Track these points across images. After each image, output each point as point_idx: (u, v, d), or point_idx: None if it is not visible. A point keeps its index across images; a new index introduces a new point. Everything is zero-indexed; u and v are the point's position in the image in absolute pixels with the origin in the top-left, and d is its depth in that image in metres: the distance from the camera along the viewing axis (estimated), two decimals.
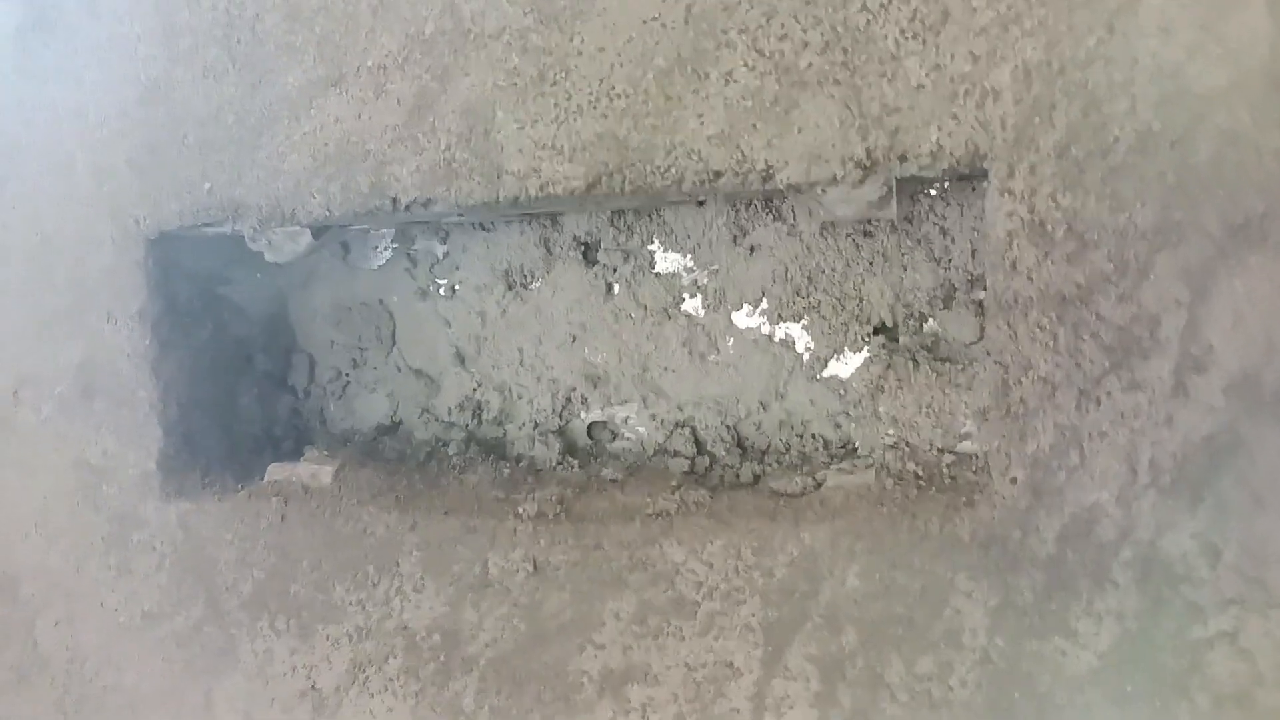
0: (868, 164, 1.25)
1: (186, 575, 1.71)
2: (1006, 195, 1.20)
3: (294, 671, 1.64)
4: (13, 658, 1.89)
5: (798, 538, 1.34)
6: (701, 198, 1.45)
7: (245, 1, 1.55)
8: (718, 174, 1.31)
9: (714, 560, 1.38)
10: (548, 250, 1.77)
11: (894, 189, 1.28)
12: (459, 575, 1.52)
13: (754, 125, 1.29)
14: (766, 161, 1.29)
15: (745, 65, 1.28)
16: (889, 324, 1.56)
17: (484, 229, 1.81)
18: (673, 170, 1.34)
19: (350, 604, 1.59)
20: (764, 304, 1.64)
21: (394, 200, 1.49)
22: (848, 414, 1.59)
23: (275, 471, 1.72)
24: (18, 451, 1.83)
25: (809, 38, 1.25)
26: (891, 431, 1.43)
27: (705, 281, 1.69)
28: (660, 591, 1.41)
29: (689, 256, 1.70)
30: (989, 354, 1.25)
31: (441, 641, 1.54)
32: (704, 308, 1.70)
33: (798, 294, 1.60)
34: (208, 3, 1.57)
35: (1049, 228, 1.18)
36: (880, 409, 1.45)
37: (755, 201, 1.61)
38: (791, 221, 1.59)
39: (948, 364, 1.42)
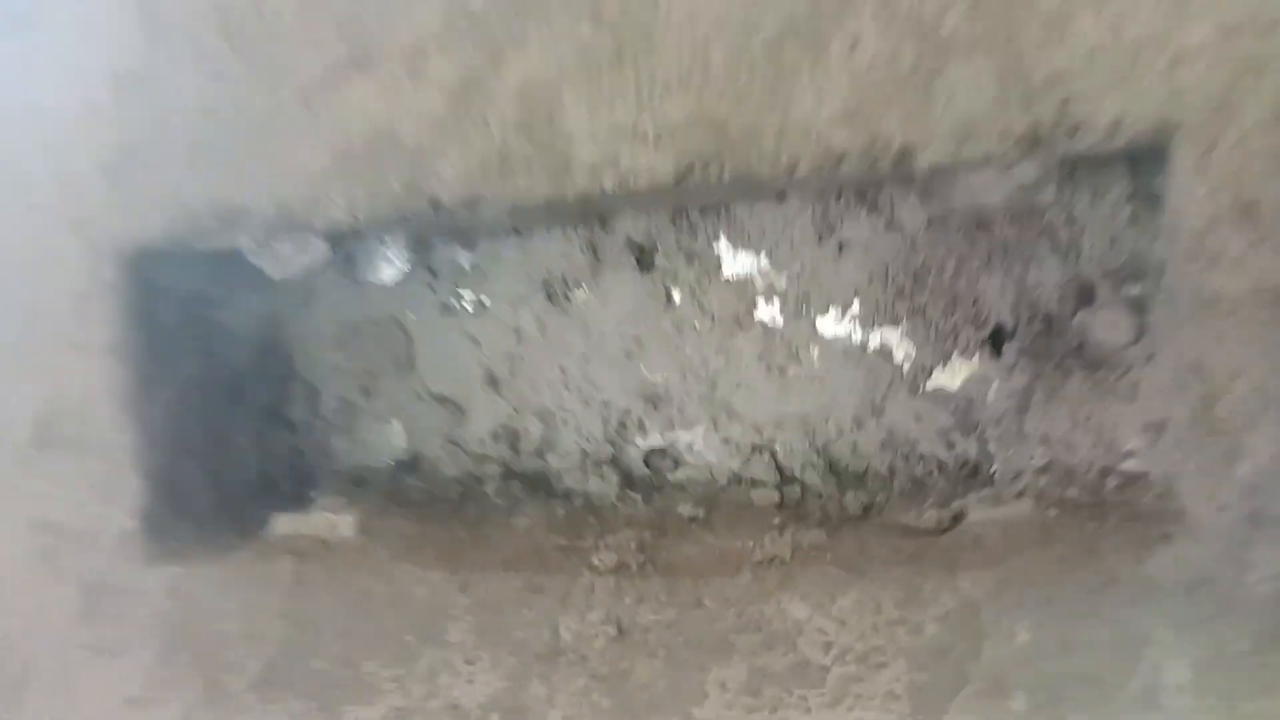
0: (1031, 141, 1.04)
1: (179, 653, 1.44)
2: (1205, 173, 1.01)
3: None
4: None
5: (953, 587, 1.13)
6: (816, 187, 1.23)
7: None
8: (841, 158, 1.10)
9: (846, 616, 1.16)
10: (595, 256, 1.53)
11: (1054, 170, 1.08)
12: (522, 643, 1.28)
13: (888, 99, 1.07)
14: (904, 141, 1.08)
15: (875, 28, 1.06)
16: (1009, 327, 1.36)
17: (518, 233, 1.57)
18: (784, 156, 1.12)
19: (385, 681, 1.34)
20: (855, 308, 1.43)
21: (435, 201, 1.25)
22: (963, 431, 1.39)
23: (282, 524, 1.46)
24: None
25: None
26: (1041, 452, 1.23)
27: (784, 285, 1.47)
28: (778, 655, 1.19)
29: (764, 257, 1.48)
30: (1185, 362, 1.06)
31: None
32: (782, 315, 1.48)
33: (899, 296, 1.39)
34: None
35: (1260, 210, 0.99)
36: (1027, 427, 1.24)
37: (846, 193, 1.40)
38: (889, 215, 1.38)
39: (1102, 371, 1.23)
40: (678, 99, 1.13)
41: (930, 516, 1.23)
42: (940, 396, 1.43)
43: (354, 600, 1.35)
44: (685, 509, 1.40)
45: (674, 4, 1.12)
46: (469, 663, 1.29)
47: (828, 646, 1.17)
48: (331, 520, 1.42)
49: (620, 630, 1.24)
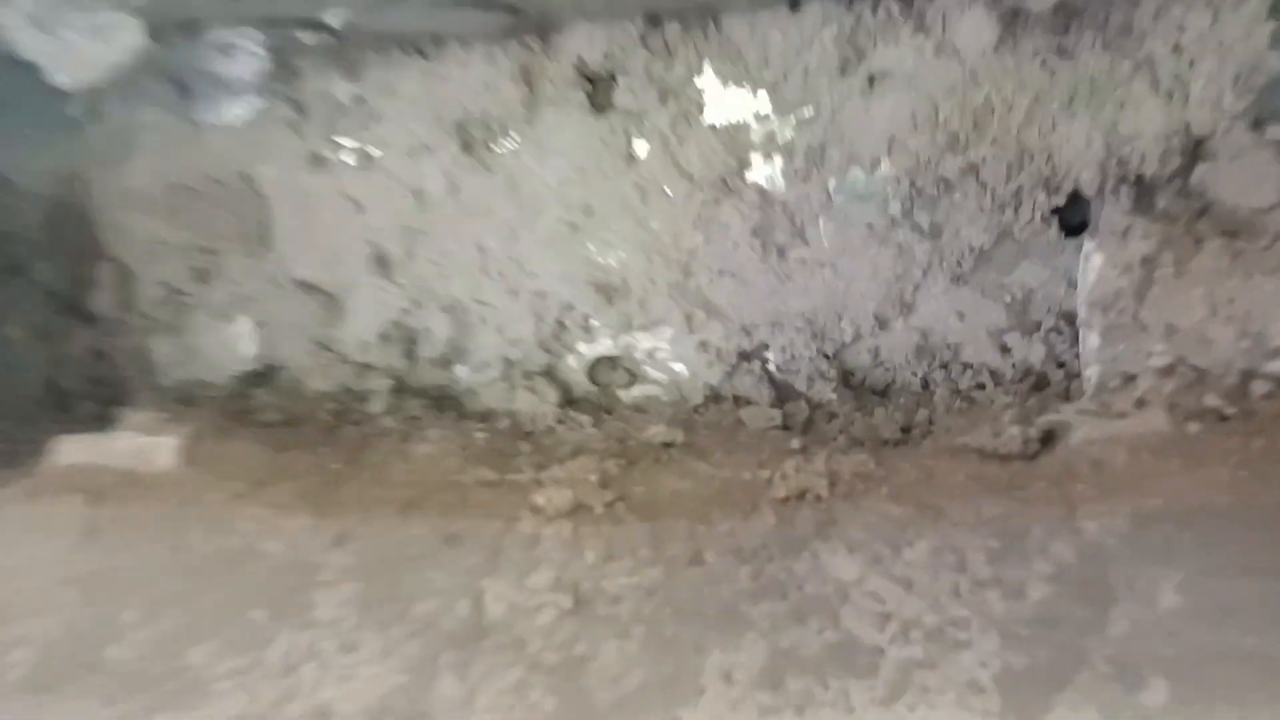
0: None
1: None
2: None
3: None
4: None
5: (1072, 529, 0.77)
6: None
7: None
8: None
9: (914, 575, 0.80)
10: (530, 89, 1.12)
11: None
12: (429, 620, 0.87)
13: None
14: None
15: None
16: (1088, 192, 1.02)
17: (421, 54, 1.14)
18: None
19: (220, 677, 0.90)
20: (885, 167, 1.07)
21: None
22: (1023, 331, 1.05)
23: (71, 449, 1.00)
24: None
25: None
26: (1163, 348, 0.89)
27: (790, 135, 1.10)
28: (813, 632, 0.82)
29: (763, 94, 1.10)
30: None
31: None
32: (785, 176, 1.11)
33: (951, 147, 1.03)
34: None
35: None
36: (1145, 313, 0.90)
37: (885, 3, 1.02)
38: (941, 34, 1.02)
39: (1241, 240, 0.90)
40: None
41: (1012, 435, 0.88)
42: (992, 285, 1.08)
43: (174, 559, 0.91)
44: (657, 431, 1.01)
45: None
46: (346, 649, 0.87)
47: (885, 619, 0.80)
48: (143, 444, 0.97)
49: (577, 599, 0.84)
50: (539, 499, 0.87)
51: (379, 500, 0.92)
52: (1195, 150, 1.03)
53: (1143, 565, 0.78)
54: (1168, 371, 0.89)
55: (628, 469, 0.94)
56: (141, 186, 1.24)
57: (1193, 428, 0.83)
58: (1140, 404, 0.87)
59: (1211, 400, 0.86)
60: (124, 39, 0.93)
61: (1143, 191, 1.04)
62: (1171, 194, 0.98)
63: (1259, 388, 0.87)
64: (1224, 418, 0.85)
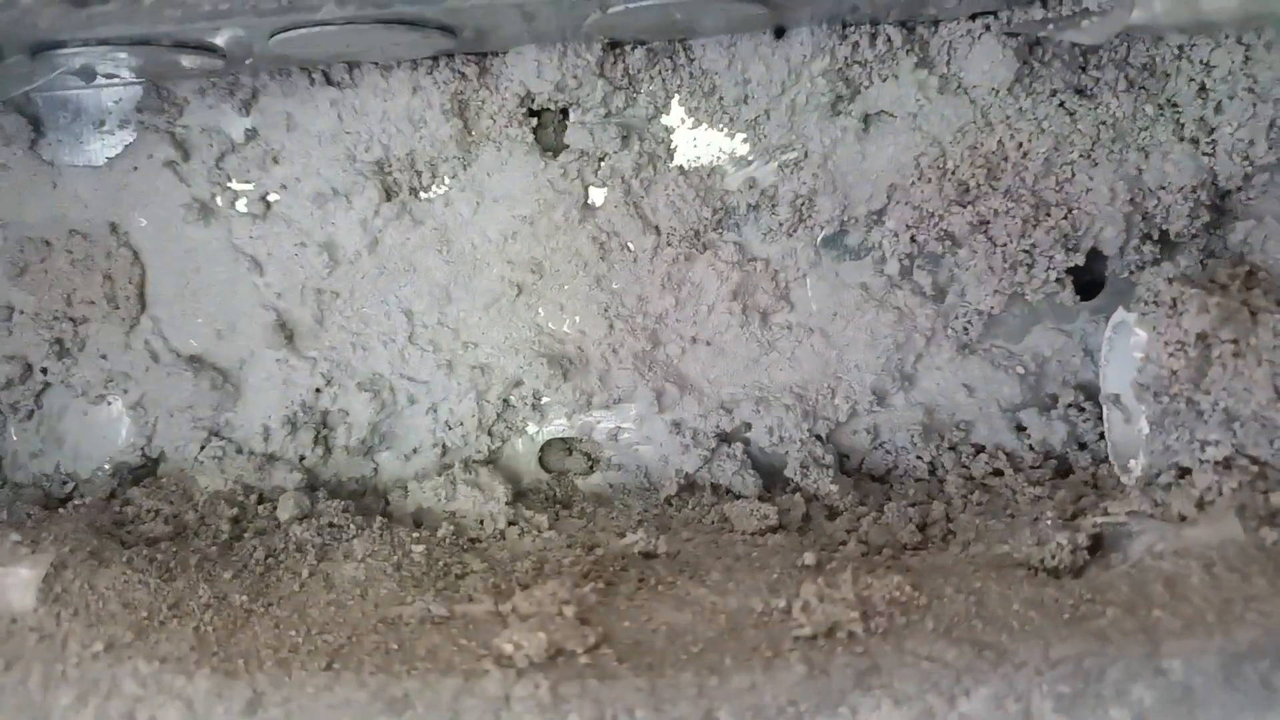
0: None
1: None
2: None
3: None
4: None
5: (1155, 668, 0.65)
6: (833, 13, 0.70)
7: None
8: None
9: None
10: (465, 124, 0.94)
11: None
12: None
13: None
14: None
15: None
16: (1110, 250, 0.91)
17: (330, 83, 0.95)
18: None
19: None
20: (886, 220, 0.93)
21: None
22: (1040, 408, 0.93)
23: None
24: None
25: None
26: (1219, 437, 0.77)
27: (773, 181, 0.95)
28: None
29: (741, 135, 0.95)
30: None
31: None
32: (768, 230, 0.96)
33: (958, 200, 0.90)
34: None
35: None
36: (1201, 397, 0.78)
37: (884, 30, 0.89)
38: (948, 68, 0.89)
39: None
40: None
41: (1059, 544, 0.74)
42: (1002, 355, 0.96)
43: None
44: (635, 540, 0.84)
45: None
46: None
47: None
48: None
49: None
50: (505, 645, 0.69)
51: (298, 649, 0.72)
52: (1221, 204, 0.93)
53: (1239, 712, 0.66)
54: (1226, 465, 0.77)
55: (608, 596, 0.77)
56: None
57: (1269, 536, 0.71)
58: (1202, 505, 0.75)
59: (1277, 499, 0.75)
60: None
61: (1166, 250, 0.94)
62: (1202, 255, 0.88)
63: None
64: None
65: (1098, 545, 0.77)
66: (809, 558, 0.77)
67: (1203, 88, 0.90)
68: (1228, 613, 0.67)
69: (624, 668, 0.69)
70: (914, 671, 0.67)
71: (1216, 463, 0.78)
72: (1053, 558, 0.75)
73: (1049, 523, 0.79)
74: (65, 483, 1.04)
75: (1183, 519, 0.74)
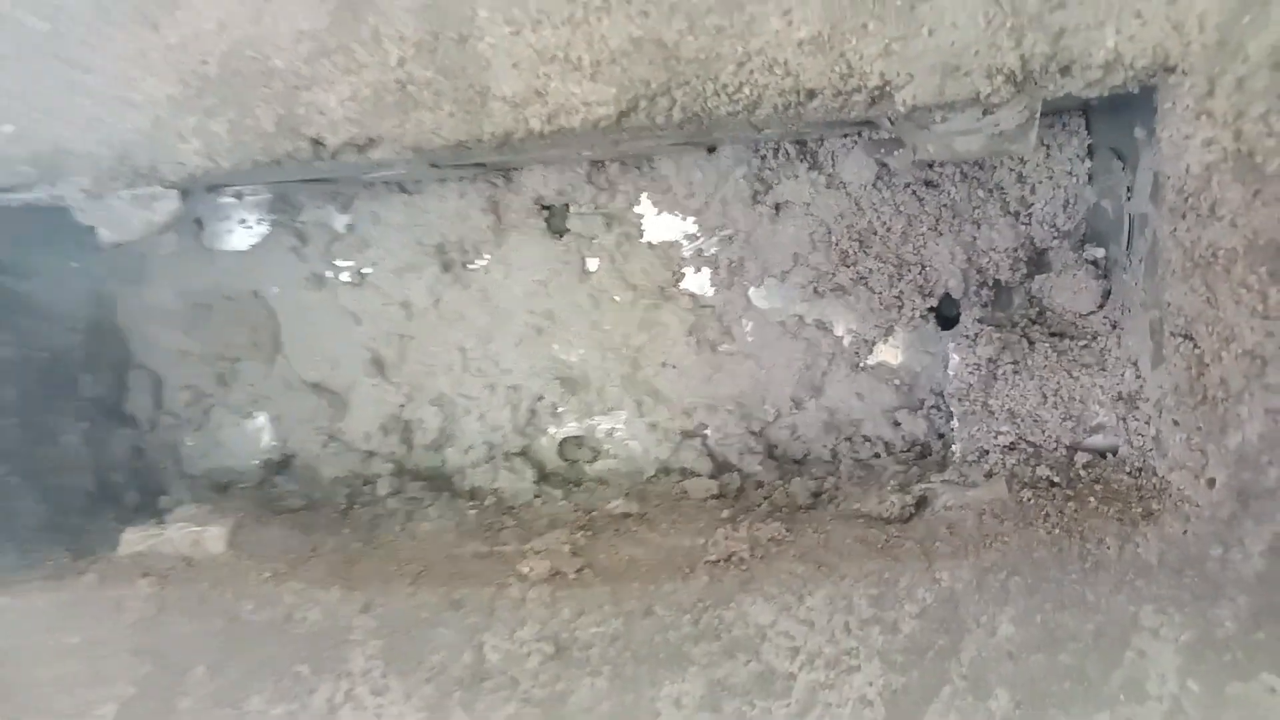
0: (1020, 78, 0.93)
1: (2, 703, 1.17)
2: (1204, 118, 0.93)
3: None
4: None
5: (931, 579, 1.01)
6: (770, 129, 1.08)
7: None
8: (811, 94, 0.96)
9: (815, 618, 1.03)
10: (497, 217, 1.34)
11: (1037, 115, 0.97)
12: (440, 668, 1.09)
13: (865, 25, 0.94)
14: (882, 75, 0.94)
15: None
16: (957, 295, 1.27)
17: (403, 190, 1.36)
18: (745, 90, 0.97)
19: (273, 719, 1.12)
20: (793, 277, 1.30)
21: (316, 142, 1.03)
22: (909, 409, 1.29)
23: (135, 540, 1.20)
24: None
25: None
26: (1007, 429, 1.13)
27: (714, 251, 1.33)
28: (740, 665, 1.05)
29: (691, 220, 1.33)
30: (1172, 325, 0.98)
31: None
32: (713, 285, 1.34)
33: (843, 262, 1.27)
34: None
35: (1259, 159, 0.92)
36: (993, 401, 1.14)
37: (784, 147, 1.26)
38: (830, 170, 1.26)
39: (1066, 340, 1.14)
40: (619, 19, 0.96)
41: (892, 503, 1.11)
42: (883, 372, 1.32)
43: (230, 629, 1.12)
44: (616, 504, 1.23)
45: None
46: (376, 693, 1.09)
47: (794, 652, 1.04)
48: (195, 534, 1.18)
49: (557, 647, 1.06)
50: (523, 568, 1.09)
51: (393, 573, 1.13)
52: (1040, 259, 1.28)
53: (985, 605, 1.02)
54: (1011, 448, 1.13)
55: (593, 540, 1.16)
56: (165, 304, 1.44)
57: (1026, 495, 1.07)
58: (989, 475, 1.11)
59: (1043, 471, 1.10)
60: (164, 206, 1.13)
61: (1000, 292, 1.29)
62: (1012, 302, 1.23)
63: (1081, 459, 1.12)
64: (1053, 484, 1.09)
65: (922, 503, 1.14)
66: (725, 514, 1.15)
67: (1020, 176, 1.25)
68: (982, 544, 1.03)
69: (597, 581, 1.08)
70: (777, 581, 1.04)
71: (1003, 447, 1.14)
72: (886, 512, 1.11)
73: (890, 488, 1.15)
74: (225, 475, 1.48)
75: (973, 485, 1.10)
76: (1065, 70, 0.94)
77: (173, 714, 1.14)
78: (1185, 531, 0.99)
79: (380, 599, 1.10)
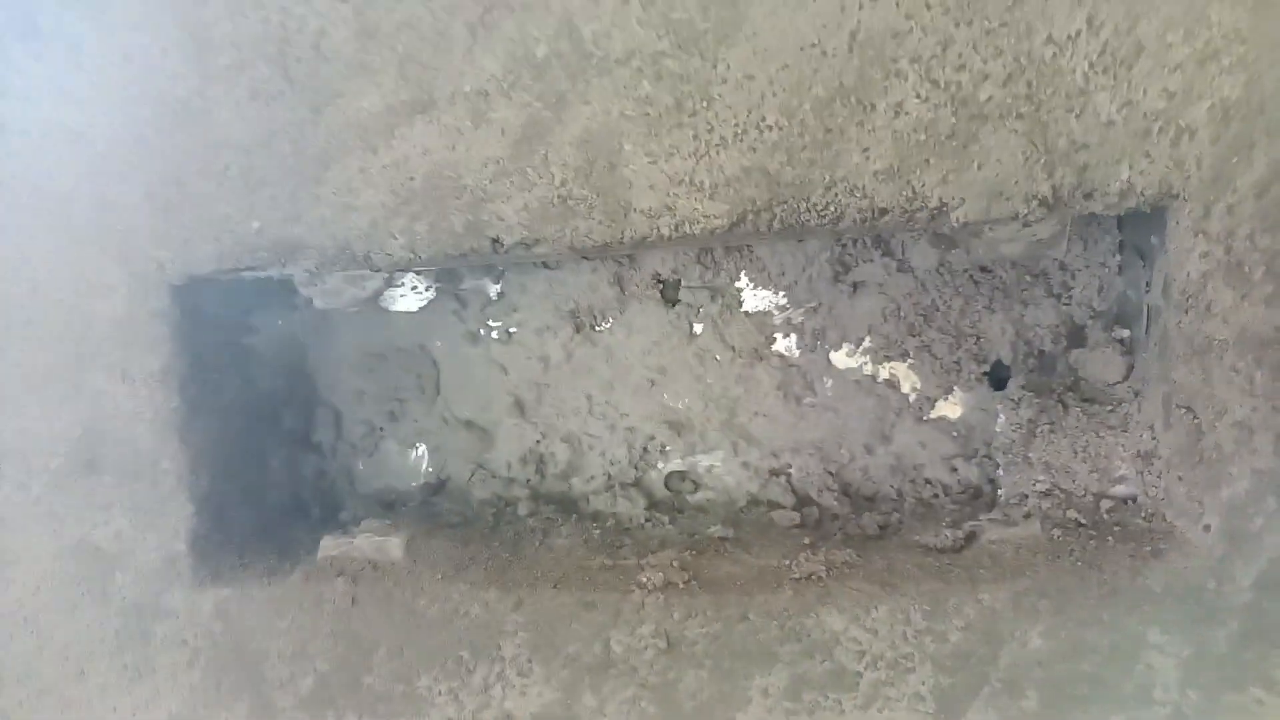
0: (1052, 202, 1.18)
1: (227, 672, 1.48)
2: (1201, 236, 1.16)
3: None
4: None
5: (975, 598, 1.25)
6: (855, 235, 1.35)
7: (304, 15, 1.34)
8: (883, 211, 1.22)
9: (879, 627, 1.28)
10: (621, 289, 1.63)
11: (1067, 227, 1.22)
12: (574, 656, 1.37)
13: (927, 160, 1.20)
14: (940, 198, 1.20)
15: (917, 96, 1.19)
16: (1007, 362, 1.50)
17: (547, 267, 1.65)
18: (831, 208, 1.23)
19: (439, 694, 1.41)
20: (867, 342, 1.56)
21: (495, 241, 1.33)
22: (965, 456, 1.53)
23: (330, 547, 1.51)
24: None
25: (989, 69, 1.17)
26: (1043, 478, 1.37)
27: (800, 320, 1.59)
28: (816, 663, 1.30)
29: (782, 294, 1.60)
30: (1177, 398, 1.21)
31: None
32: (799, 347, 1.60)
33: (908, 332, 1.52)
34: (255, 15, 1.35)
35: (1246, 269, 1.15)
36: (1031, 455, 1.38)
37: (864, 238, 1.52)
38: (902, 257, 1.51)
39: (1095, 405, 1.38)
40: (734, 152, 1.24)
41: (946, 536, 1.35)
42: (943, 425, 1.56)
43: (407, 619, 1.41)
44: (715, 529, 1.50)
45: (732, 66, 1.23)
46: (522, 675, 1.37)
47: (861, 654, 1.28)
48: (379, 542, 1.48)
49: (669, 643, 1.33)
50: (643, 578, 1.36)
51: (537, 579, 1.41)
52: (1078, 334, 1.51)
53: (1019, 621, 1.25)
54: (1046, 493, 1.37)
55: (698, 558, 1.42)
56: (345, 353, 1.77)
57: (1056, 533, 1.30)
58: (1027, 516, 1.34)
59: (1072, 514, 1.33)
60: (370, 284, 1.45)
61: (1044, 359, 1.52)
62: (1053, 371, 1.46)
63: (1105, 504, 1.34)
64: (1080, 524, 1.32)
65: (971, 537, 1.37)
66: (806, 540, 1.40)
67: (1062, 265, 1.49)
68: (1018, 571, 1.26)
69: (702, 591, 1.35)
70: (848, 596, 1.29)
71: (1040, 493, 1.38)
72: (941, 544, 1.36)
73: (945, 524, 1.39)
74: (387, 494, 1.79)
75: (1014, 524, 1.34)
76: (1089, 195, 1.18)
77: (359, 687, 1.44)
78: (1186, 567, 1.21)
79: (528, 599, 1.38)
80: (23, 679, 1.56)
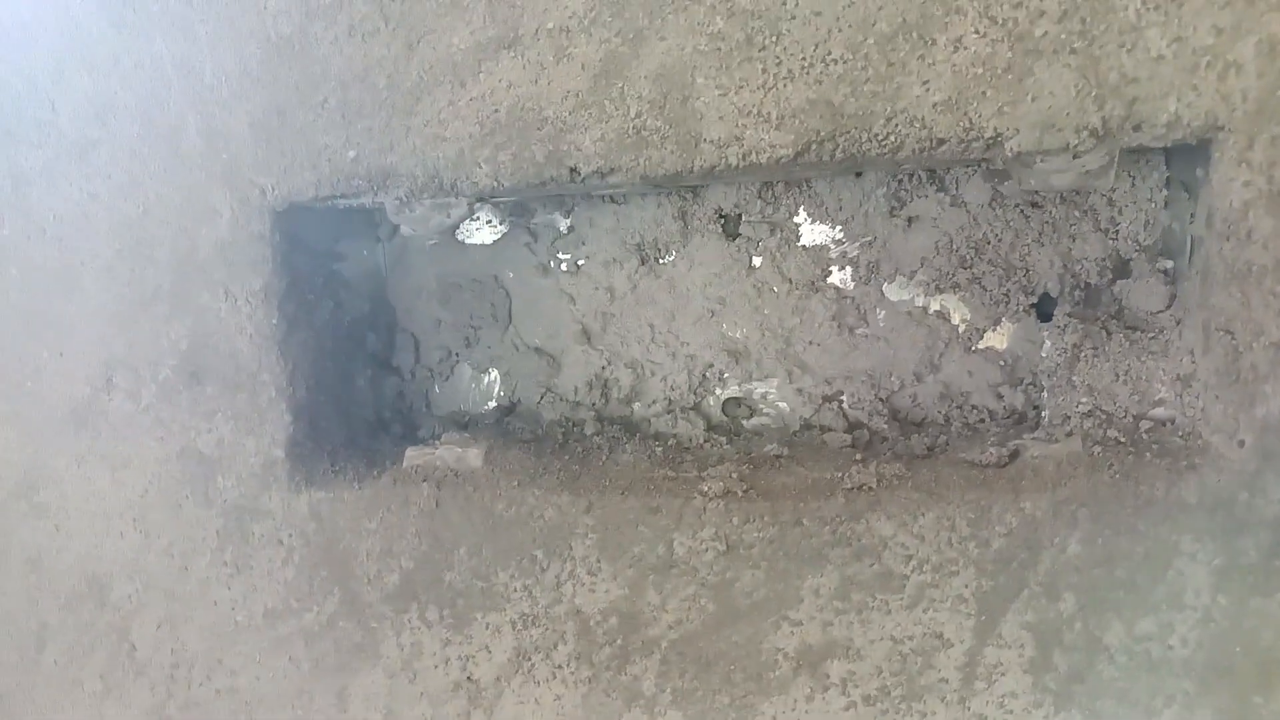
0: (1101, 133, 1.25)
1: (319, 569, 1.62)
2: (1244, 166, 1.22)
3: (447, 664, 1.57)
4: (101, 664, 1.76)
5: (1017, 507, 1.34)
6: (905, 170, 1.42)
7: None
8: (941, 141, 1.30)
9: (925, 533, 1.37)
10: (685, 223, 1.72)
11: (1115, 159, 1.28)
12: (639, 557, 1.48)
13: (984, 93, 1.27)
14: (995, 129, 1.28)
15: (976, 32, 1.26)
16: (1054, 294, 1.58)
17: (614, 201, 1.75)
18: (891, 138, 1.31)
19: (515, 590, 1.53)
20: (919, 276, 1.64)
21: (573, 170, 1.42)
22: (1010, 384, 1.61)
23: (415, 456, 1.63)
24: (110, 443, 1.69)
25: (1045, 6, 1.24)
26: (1086, 400, 1.45)
27: (856, 254, 1.67)
28: (865, 566, 1.40)
29: (839, 229, 1.68)
30: (1216, 321, 1.28)
31: (619, 625, 1.49)
32: (853, 280, 1.68)
33: (960, 265, 1.60)
34: None
35: None
36: (1075, 378, 1.46)
37: (918, 173, 1.60)
38: (955, 192, 1.59)
39: (1138, 332, 1.45)
40: (800, 85, 1.33)
41: (991, 453, 1.43)
42: (991, 355, 1.64)
43: (486, 521, 1.53)
44: (772, 448, 1.60)
45: (801, 3, 1.31)
46: (591, 574, 1.48)
47: (908, 559, 1.38)
48: (460, 453, 1.60)
49: (728, 546, 1.43)
50: (704, 487, 1.46)
51: (606, 487, 1.52)
52: (1125, 268, 1.57)
53: (1058, 529, 1.34)
54: (1089, 414, 1.44)
55: (755, 470, 1.52)
56: (424, 283, 1.88)
57: (1096, 449, 1.38)
58: (1069, 435, 1.42)
59: (1112, 433, 1.41)
60: (456, 212, 1.55)
61: (1090, 292, 1.59)
62: (1099, 301, 1.53)
63: (1144, 425, 1.42)
64: (1119, 443, 1.40)
65: (1015, 455, 1.46)
66: (857, 455, 1.50)
67: (1110, 200, 1.55)
68: (1059, 483, 1.35)
69: (759, 499, 1.45)
70: (897, 504, 1.38)
71: (1082, 414, 1.45)
72: (986, 460, 1.44)
73: (990, 443, 1.48)
74: (461, 416, 1.92)
75: (1055, 441, 1.42)
76: (1137, 128, 1.25)
77: (440, 583, 1.56)
78: (1219, 480, 1.28)
79: (598, 503, 1.49)
80: (132, 574, 1.71)
